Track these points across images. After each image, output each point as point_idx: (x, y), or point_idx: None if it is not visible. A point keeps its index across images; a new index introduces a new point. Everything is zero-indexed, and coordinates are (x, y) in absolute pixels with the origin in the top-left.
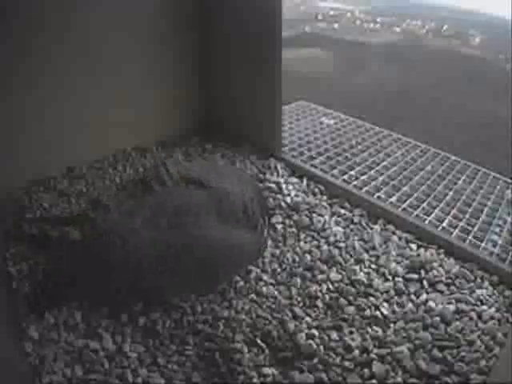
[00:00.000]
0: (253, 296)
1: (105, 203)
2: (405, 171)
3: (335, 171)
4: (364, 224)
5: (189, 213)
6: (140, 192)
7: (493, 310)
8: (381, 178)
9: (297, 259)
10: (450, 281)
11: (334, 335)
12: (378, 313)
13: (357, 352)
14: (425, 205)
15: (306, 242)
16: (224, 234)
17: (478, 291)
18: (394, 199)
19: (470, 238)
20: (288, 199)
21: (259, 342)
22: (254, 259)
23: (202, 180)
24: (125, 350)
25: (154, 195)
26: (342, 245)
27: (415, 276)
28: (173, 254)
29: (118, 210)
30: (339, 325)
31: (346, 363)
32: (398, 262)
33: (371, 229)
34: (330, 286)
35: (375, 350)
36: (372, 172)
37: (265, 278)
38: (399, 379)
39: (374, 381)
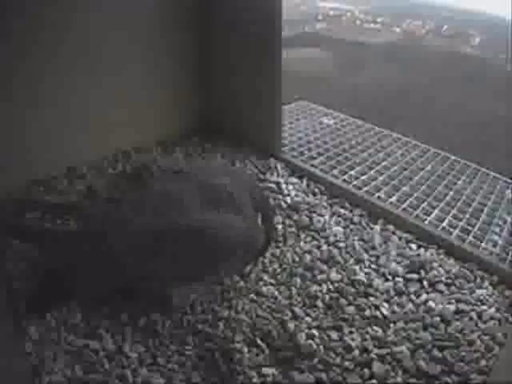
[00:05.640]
0: (253, 296)
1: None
2: (405, 171)
3: (335, 171)
4: (364, 224)
5: (172, 199)
6: (132, 183)
7: (493, 310)
8: (381, 178)
9: (297, 259)
10: (450, 281)
11: (334, 335)
12: (377, 313)
13: (357, 352)
14: (425, 205)
15: (306, 242)
16: (209, 221)
17: (478, 291)
18: (394, 199)
19: (470, 238)
20: (288, 199)
21: (259, 341)
22: (252, 250)
23: (186, 170)
24: (125, 349)
25: (143, 184)
26: (341, 245)
27: (415, 276)
28: (159, 240)
29: (107, 199)
30: (339, 325)
31: (346, 363)
32: (398, 262)
33: (371, 229)
34: (330, 286)
35: (375, 350)
36: (372, 172)
37: (265, 277)
38: (399, 379)
39: (373, 381)
